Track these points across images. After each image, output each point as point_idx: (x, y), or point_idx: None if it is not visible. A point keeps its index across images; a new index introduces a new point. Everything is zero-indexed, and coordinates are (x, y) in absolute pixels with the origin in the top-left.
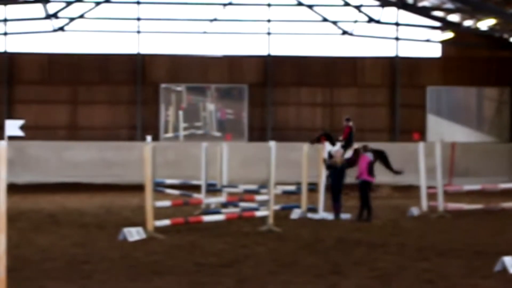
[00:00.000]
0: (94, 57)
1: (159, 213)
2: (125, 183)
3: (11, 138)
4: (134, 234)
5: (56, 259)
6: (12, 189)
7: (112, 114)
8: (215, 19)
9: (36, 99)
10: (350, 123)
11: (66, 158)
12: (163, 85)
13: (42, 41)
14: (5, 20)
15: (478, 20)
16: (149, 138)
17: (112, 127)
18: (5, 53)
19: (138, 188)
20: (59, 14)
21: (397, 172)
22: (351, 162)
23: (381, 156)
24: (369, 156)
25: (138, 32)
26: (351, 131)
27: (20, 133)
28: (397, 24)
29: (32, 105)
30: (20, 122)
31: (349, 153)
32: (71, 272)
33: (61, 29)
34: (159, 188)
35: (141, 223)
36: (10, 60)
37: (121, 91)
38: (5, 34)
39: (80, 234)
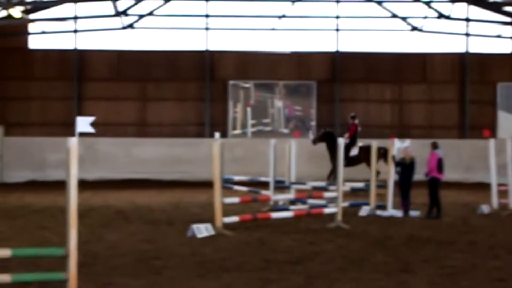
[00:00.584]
0: (162, 54)
1: (227, 210)
2: (193, 179)
3: (82, 134)
4: (202, 230)
5: (126, 255)
6: (82, 185)
7: (181, 110)
8: (283, 16)
9: (105, 96)
10: (356, 121)
11: (134, 155)
12: (231, 82)
13: (112, 38)
14: (76, 18)
15: None
16: (217, 134)
17: (181, 123)
18: (75, 50)
19: (206, 184)
20: (129, 12)
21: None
22: (356, 160)
23: (384, 154)
24: (438, 153)
25: (207, 28)
26: (356, 129)
27: (90, 129)
28: (467, 19)
29: (101, 102)
30: (91, 119)
31: (354, 151)
32: (141, 268)
33: (131, 26)
34: (227, 184)
35: (210, 219)
36: (80, 57)
37: (189, 88)
38: (75, 31)
39: (149, 230)
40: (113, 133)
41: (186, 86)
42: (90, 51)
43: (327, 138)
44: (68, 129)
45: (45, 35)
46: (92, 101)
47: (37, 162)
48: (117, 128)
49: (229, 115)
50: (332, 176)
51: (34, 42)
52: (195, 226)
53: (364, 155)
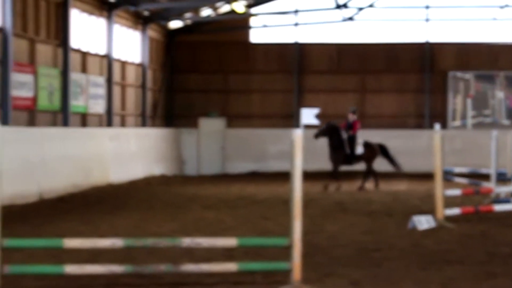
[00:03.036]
0: (381, 46)
1: (447, 202)
2: (412, 171)
3: (305, 126)
4: (423, 222)
5: (346, 246)
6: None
7: (400, 102)
8: (506, 6)
9: (324, 88)
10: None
11: None
12: (451, 73)
13: (331, 31)
14: (296, 11)
15: None
16: (437, 126)
17: (400, 115)
18: (296, 43)
19: (425, 176)
20: (349, 4)
21: (397, 167)
22: (364, 158)
23: (382, 150)
24: None
25: (427, 20)
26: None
27: (315, 121)
28: None
29: (320, 94)
30: (316, 110)
31: (359, 149)
32: (361, 260)
33: (350, 19)
34: (447, 176)
35: (429, 211)
36: (301, 50)
37: (408, 80)
38: (296, 25)
39: (368, 222)
40: None
41: (405, 78)
42: (310, 44)
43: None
44: (288, 121)
45: (266, 28)
46: (311, 94)
47: (257, 154)
48: (336, 120)
49: (448, 106)
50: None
51: (255, 36)
52: (416, 218)
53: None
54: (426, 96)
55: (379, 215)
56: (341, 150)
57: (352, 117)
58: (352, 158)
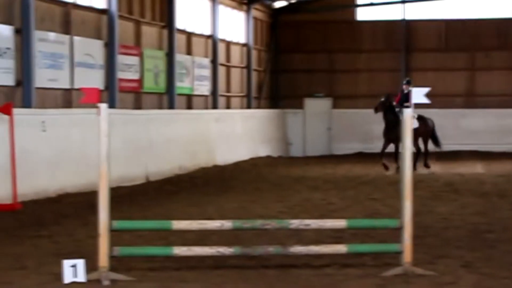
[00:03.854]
0: (492, 22)
1: None
2: None
3: (416, 105)
4: None
5: (458, 228)
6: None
7: (511, 80)
8: None
9: (432, 67)
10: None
11: (462, 126)
12: None
13: (440, 7)
14: None
15: None
16: None
17: (511, 94)
18: (403, 20)
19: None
20: None
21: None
22: (419, 133)
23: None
24: None
25: None
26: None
27: (426, 100)
28: None
29: (428, 72)
30: (426, 89)
31: (415, 123)
32: (474, 241)
33: None
34: None
35: None
36: (408, 28)
37: None
38: (403, 1)
39: (480, 203)
40: (441, 104)
41: None
42: (417, 21)
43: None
44: None
45: (373, 6)
46: (419, 72)
47: (364, 134)
48: (445, 99)
49: None
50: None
51: (362, 14)
52: None
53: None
54: None
55: (491, 196)
56: (397, 125)
57: (407, 89)
58: None
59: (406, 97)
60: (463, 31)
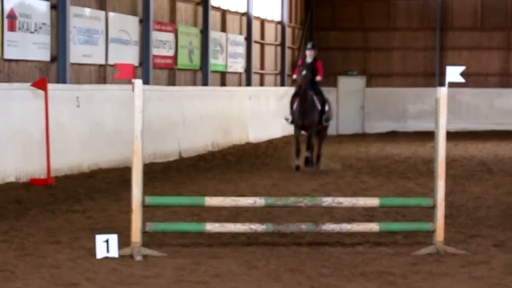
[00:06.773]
0: None
1: None
2: None
3: (450, 84)
4: None
5: (491, 208)
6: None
7: None
8: None
9: (467, 46)
10: None
11: (497, 106)
12: None
13: None
14: None
15: None
16: None
17: None
18: None
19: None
20: None
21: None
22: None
23: None
24: None
25: None
26: None
27: (460, 79)
28: None
29: (463, 51)
30: (461, 68)
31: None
32: (507, 221)
33: None
34: None
35: None
36: (443, 6)
37: None
38: None
39: None
40: (475, 83)
41: None
42: None
43: None
44: (429, 79)
45: None
46: (454, 51)
47: (397, 113)
48: (479, 78)
49: None
50: None
51: None
52: None
53: None
54: None
55: None
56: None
57: (310, 56)
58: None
59: (311, 67)
60: (498, 10)
